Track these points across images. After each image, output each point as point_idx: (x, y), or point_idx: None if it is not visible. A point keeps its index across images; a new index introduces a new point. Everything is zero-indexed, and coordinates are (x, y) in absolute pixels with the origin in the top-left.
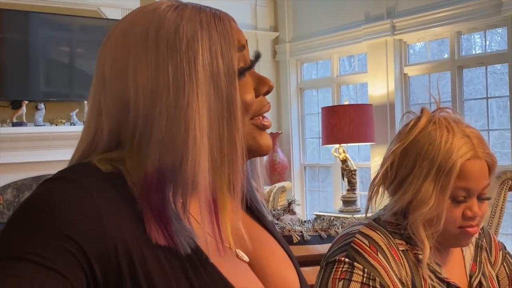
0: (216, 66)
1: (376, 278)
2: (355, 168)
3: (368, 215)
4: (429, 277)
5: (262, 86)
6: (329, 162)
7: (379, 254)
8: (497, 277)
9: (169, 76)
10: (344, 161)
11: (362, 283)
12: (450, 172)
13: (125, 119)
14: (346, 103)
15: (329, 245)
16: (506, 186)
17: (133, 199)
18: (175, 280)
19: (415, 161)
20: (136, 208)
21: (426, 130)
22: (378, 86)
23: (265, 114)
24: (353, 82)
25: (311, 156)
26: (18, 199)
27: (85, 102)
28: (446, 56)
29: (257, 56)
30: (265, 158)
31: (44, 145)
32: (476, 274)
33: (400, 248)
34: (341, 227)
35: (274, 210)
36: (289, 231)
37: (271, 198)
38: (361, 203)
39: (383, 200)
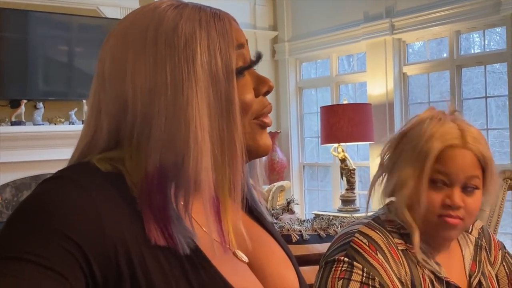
0: (215, 65)
1: (376, 278)
2: (354, 167)
3: (369, 214)
4: (428, 276)
5: (262, 86)
6: (328, 161)
7: (378, 253)
8: (497, 277)
9: (167, 75)
10: (343, 160)
11: (361, 282)
12: (428, 154)
13: (124, 118)
14: (345, 102)
15: (328, 244)
16: (505, 186)
17: (132, 199)
18: (175, 281)
19: (404, 147)
20: (135, 208)
21: (423, 122)
22: (377, 86)
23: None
24: (352, 81)
25: (310, 155)
26: (17, 198)
27: (84, 101)
28: (445, 55)
29: (258, 56)
30: (264, 157)
31: (43, 144)
32: (475, 273)
33: (400, 248)
34: (340, 226)
35: (273, 209)
36: (288, 230)
37: (270, 198)
38: (360, 202)
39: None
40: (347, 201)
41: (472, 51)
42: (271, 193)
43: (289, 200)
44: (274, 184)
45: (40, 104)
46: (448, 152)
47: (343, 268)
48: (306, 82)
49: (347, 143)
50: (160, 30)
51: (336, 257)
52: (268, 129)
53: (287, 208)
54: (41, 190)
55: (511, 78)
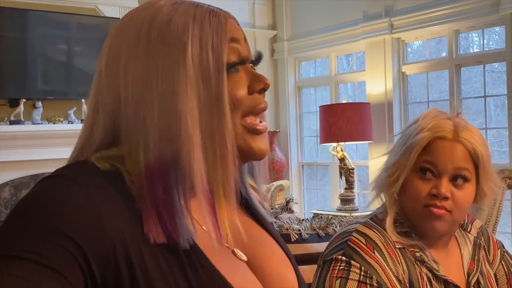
0: (206, 59)
1: (373, 276)
2: (353, 166)
3: (367, 213)
4: (426, 274)
5: (256, 84)
6: (327, 161)
7: (376, 252)
8: (495, 276)
9: (158, 67)
10: (342, 160)
11: (359, 281)
12: (416, 144)
13: (119, 112)
14: (344, 101)
15: (327, 243)
16: (504, 185)
17: (131, 197)
18: (174, 280)
19: (397, 142)
20: (134, 207)
21: (419, 119)
22: (376, 85)
23: (262, 117)
24: (351, 80)
25: (309, 155)
26: (15, 197)
27: (83, 100)
28: (444, 54)
29: (259, 56)
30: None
31: (42, 143)
32: (474, 272)
33: (397, 246)
34: (339, 226)
35: (272, 208)
36: (287, 229)
37: (269, 197)
38: (359, 201)
39: None
40: (346, 200)
41: (471, 51)
42: (270, 192)
43: (288, 199)
44: (273, 183)
45: (39, 103)
46: (437, 143)
47: (341, 267)
48: (305, 81)
49: (346, 143)
50: (154, 24)
51: (334, 256)
52: (268, 129)
53: (286, 207)
54: (40, 188)
55: (510, 77)
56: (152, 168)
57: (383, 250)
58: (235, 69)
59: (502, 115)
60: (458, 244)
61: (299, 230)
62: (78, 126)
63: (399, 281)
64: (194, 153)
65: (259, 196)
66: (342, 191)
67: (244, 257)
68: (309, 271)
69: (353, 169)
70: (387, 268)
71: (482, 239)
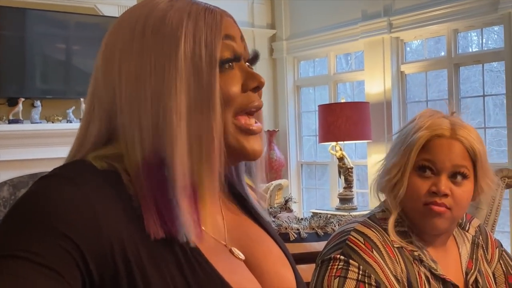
0: (199, 55)
1: (372, 275)
2: (351, 165)
3: (366, 212)
4: (425, 273)
5: (251, 81)
6: (326, 160)
7: (374, 251)
8: (494, 275)
9: (152, 62)
10: (340, 159)
11: (357, 280)
12: (415, 143)
13: (114, 105)
14: (343, 101)
15: (326, 242)
16: (503, 184)
17: (128, 196)
18: (171, 278)
19: (395, 141)
20: (132, 206)
21: (415, 118)
22: (375, 84)
23: (258, 117)
24: (350, 80)
25: (308, 154)
26: (14, 196)
27: (82, 99)
28: (442, 54)
29: (255, 55)
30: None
31: (41, 142)
32: (472, 271)
33: (395, 245)
34: (338, 225)
35: (270, 207)
36: (286, 228)
37: (268, 196)
38: (357, 200)
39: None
40: (345, 200)
41: (470, 50)
42: (269, 192)
43: (287, 198)
44: (272, 182)
45: (38, 102)
46: (435, 141)
47: (339, 266)
48: (304, 80)
49: (345, 142)
50: (149, 19)
51: (332, 255)
52: (267, 128)
53: (285, 206)
54: (37, 188)
55: (508, 76)
56: (149, 164)
57: (382, 249)
58: (229, 66)
59: (501, 115)
60: (456, 243)
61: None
62: (77, 125)
63: (397, 280)
64: (177, 148)
65: (257, 195)
66: (341, 190)
67: (242, 256)
68: (307, 270)
69: (352, 168)
70: (385, 267)
71: (480, 238)
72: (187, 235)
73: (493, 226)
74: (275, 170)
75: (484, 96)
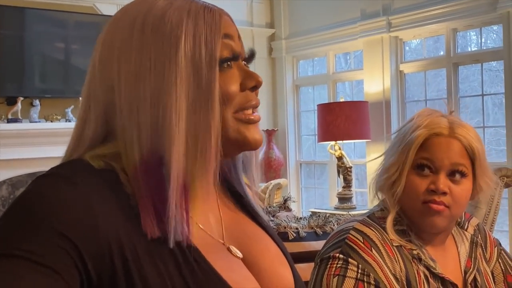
0: (199, 54)
1: (371, 274)
2: (350, 165)
3: (365, 211)
4: (423, 272)
5: (249, 81)
6: (325, 159)
7: (373, 250)
8: (492, 273)
9: (151, 60)
10: (339, 158)
11: (356, 279)
12: (413, 141)
13: (112, 104)
14: (342, 100)
15: (324, 241)
16: (501, 183)
17: (125, 195)
18: (169, 277)
19: (393, 140)
20: (129, 205)
21: (414, 117)
22: (374, 83)
23: (257, 110)
24: (349, 79)
25: (307, 153)
26: (13, 195)
27: (81, 98)
28: (441, 53)
29: (251, 53)
30: (260, 155)
31: (39, 141)
32: (470, 270)
33: (394, 244)
34: (337, 224)
35: (270, 207)
36: (285, 227)
37: (267, 195)
38: (356, 200)
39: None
40: (343, 199)
41: (469, 49)
42: (268, 191)
43: (286, 197)
44: (271, 182)
45: (37, 102)
46: (434, 140)
47: (338, 265)
48: (303, 79)
49: (344, 141)
50: (148, 17)
51: (331, 254)
52: (266, 127)
53: (284, 205)
54: (34, 187)
55: (507, 76)
56: (147, 162)
57: (381, 248)
58: (228, 65)
59: (500, 114)
60: (455, 242)
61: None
62: None
63: (396, 279)
64: (174, 147)
65: (253, 194)
66: (340, 189)
67: (240, 254)
68: (306, 269)
69: (350, 167)
70: (384, 266)
71: (479, 237)
72: (188, 235)
73: (492, 225)
74: (274, 170)
75: (483, 95)
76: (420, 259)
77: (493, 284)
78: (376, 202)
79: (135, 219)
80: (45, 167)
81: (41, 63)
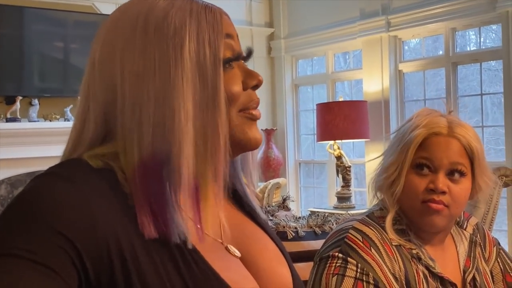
0: (203, 54)
1: (370, 273)
2: (349, 164)
3: (364, 211)
4: (423, 271)
5: (250, 80)
6: (324, 159)
7: (372, 249)
8: (491, 273)
9: (155, 61)
10: (338, 158)
11: (355, 278)
12: (412, 140)
13: (112, 104)
14: (341, 99)
15: (323, 241)
16: (500, 183)
17: (124, 195)
18: (167, 276)
19: (392, 140)
20: (127, 204)
21: (413, 117)
22: (373, 83)
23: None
24: (348, 78)
25: (306, 153)
26: (12, 195)
27: (79, 98)
28: (440, 52)
29: (249, 52)
30: (258, 155)
31: (38, 141)
32: (470, 269)
33: (394, 243)
34: (336, 223)
35: (268, 206)
36: (284, 227)
37: (266, 195)
38: (355, 199)
39: None
40: (342, 198)
41: (468, 49)
42: (267, 190)
43: (284, 197)
44: (270, 181)
45: (35, 101)
46: (433, 139)
47: (338, 264)
48: (302, 79)
49: (343, 140)
50: (151, 18)
51: (331, 253)
52: (265, 127)
53: (283, 205)
54: (33, 186)
55: (506, 75)
56: (146, 163)
57: (380, 247)
58: (229, 65)
59: (499, 113)
60: (454, 242)
61: (295, 228)
62: None
63: (395, 278)
64: (184, 148)
65: (251, 193)
66: (339, 189)
67: (238, 253)
68: (305, 269)
69: (349, 167)
70: (383, 265)
71: (478, 236)
72: (187, 236)
73: (491, 225)
74: (273, 169)
75: (482, 94)
76: (419, 259)
77: (492, 283)
78: (375, 202)
79: (134, 219)
80: (44, 166)
81: (40, 62)
